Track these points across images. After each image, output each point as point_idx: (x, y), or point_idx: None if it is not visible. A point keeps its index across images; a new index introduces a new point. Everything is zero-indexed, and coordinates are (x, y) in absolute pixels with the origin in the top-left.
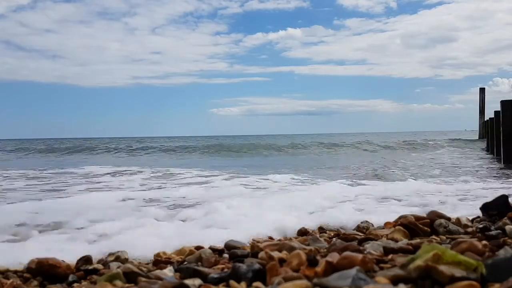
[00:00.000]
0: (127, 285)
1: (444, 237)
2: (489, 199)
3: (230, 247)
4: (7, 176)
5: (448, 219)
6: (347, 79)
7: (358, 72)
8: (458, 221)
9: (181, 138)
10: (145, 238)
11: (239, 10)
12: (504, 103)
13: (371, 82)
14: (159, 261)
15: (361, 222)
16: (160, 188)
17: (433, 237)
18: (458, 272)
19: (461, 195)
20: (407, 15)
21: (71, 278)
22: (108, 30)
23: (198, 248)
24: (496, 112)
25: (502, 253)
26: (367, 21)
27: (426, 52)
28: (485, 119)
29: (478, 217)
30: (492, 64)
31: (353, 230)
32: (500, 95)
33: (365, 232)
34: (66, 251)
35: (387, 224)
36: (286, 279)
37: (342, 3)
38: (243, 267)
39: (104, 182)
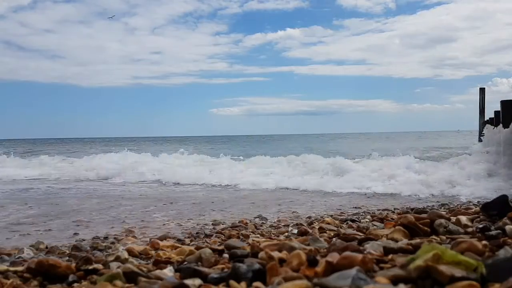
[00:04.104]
0: (127, 285)
1: (444, 237)
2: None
3: (230, 247)
4: None
5: (448, 219)
6: (346, 79)
7: (357, 72)
8: (458, 221)
9: (179, 138)
10: None
11: (239, 10)
12: (504, 103)
13: (371, 82)
14: (159, 261)
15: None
16: None
17: (433, 237)
18: (458, 272)
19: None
20: (406, 15)
21: (71, 278)
22: (108, 30)
23: (198, 248)
24: (496, 112)
25: (502, 253)
26: (366, 22)
27: (426, 52)
28: (485, 119)
29: (478, 217)
30: (491, 64)
31: (353, 230)
32: (500, 95)
33: (365, 232)
34: None
35: (387, 224)
36: (286, 279)
37: (341, 4)
38: (243, 267)
39: None
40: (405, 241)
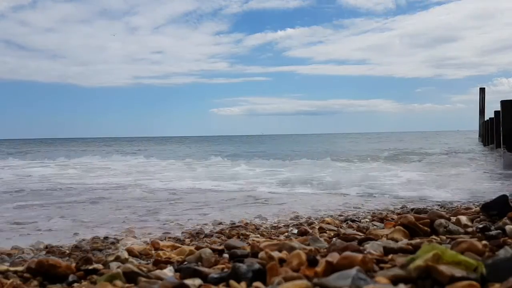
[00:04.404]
0: (127, 285)
1: (444, 237)
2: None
3: (230, 247)
4: None
5: (448, 219)
6: (348, 79)
7: (359, 72)
8: (458, 221)
9: (178, 138)
10: None
11: (239, 10)
12: (504, 103)
13: (372, 82)
14: (159, 261)
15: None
16: None
17: (433, 237)
18: (458, 272)
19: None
20: (407, 15)
21: (71, 278)
22: (108, 30)
23: (198, 248)
24: (496, 112)
25: (502, 253)
26: (367, 21)
27: (427, 52)
28: (485, 119)
29: (478, 217)
30: (492, 64)
31: (353, 230)
32: (500, 95)
33: (365, 232)
34: None
35: (387, 224)
36: (286, 279)
37: (342, 3)
38: (243, 267)
39: None
40: (405, 241)
